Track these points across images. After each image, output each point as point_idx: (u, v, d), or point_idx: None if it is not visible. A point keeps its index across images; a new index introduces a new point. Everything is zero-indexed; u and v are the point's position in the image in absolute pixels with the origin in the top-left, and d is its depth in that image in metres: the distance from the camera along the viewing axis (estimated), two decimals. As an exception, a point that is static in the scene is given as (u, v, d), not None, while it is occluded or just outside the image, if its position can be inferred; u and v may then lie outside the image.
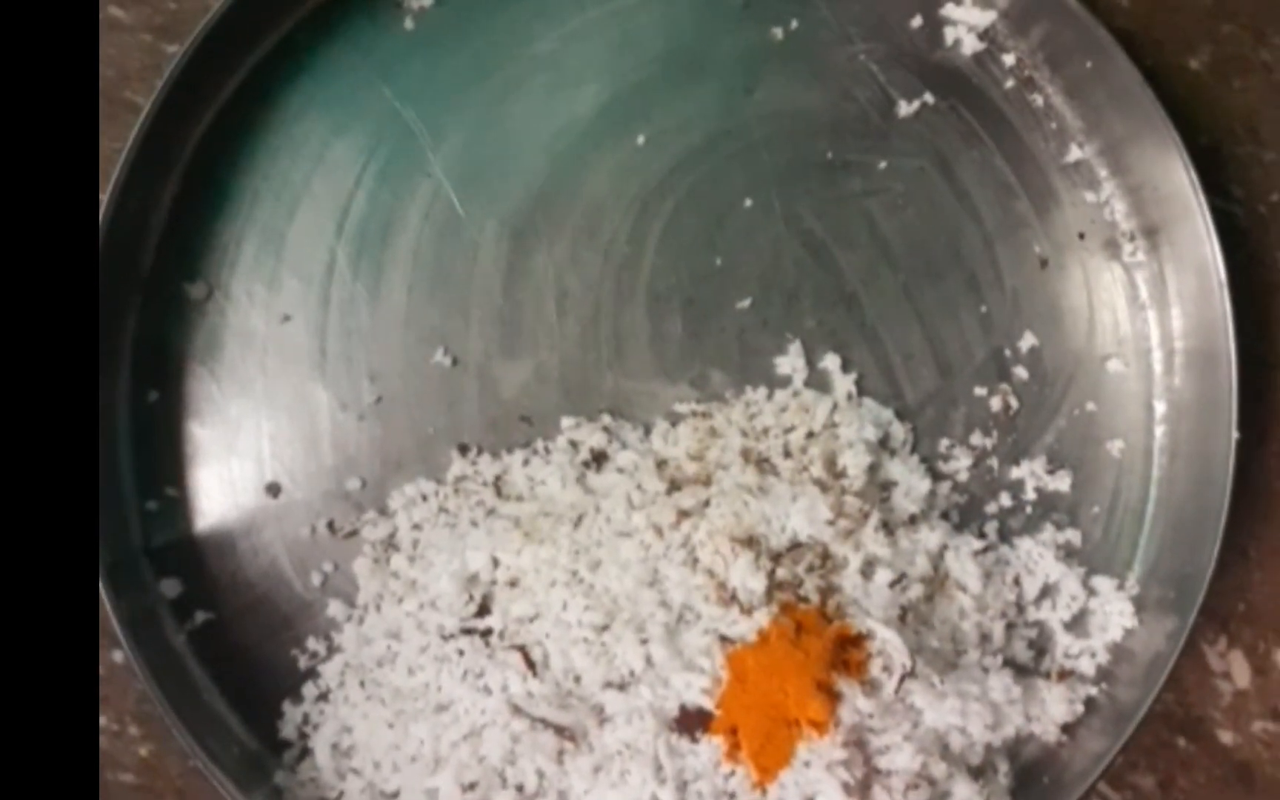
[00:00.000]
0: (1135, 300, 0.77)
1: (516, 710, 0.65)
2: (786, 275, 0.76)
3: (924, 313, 0.76)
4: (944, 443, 0.75)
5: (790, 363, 0.74)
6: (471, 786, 0.64)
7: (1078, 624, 0.73)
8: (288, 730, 0.69)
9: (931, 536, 0.71)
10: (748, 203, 0.76)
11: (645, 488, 0.70)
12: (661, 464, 0.71)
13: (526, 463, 0.72)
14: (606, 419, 0.73)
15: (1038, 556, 0.73)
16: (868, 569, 0.69)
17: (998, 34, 0.79)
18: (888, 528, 0.70)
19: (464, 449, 0.73)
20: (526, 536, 0.69)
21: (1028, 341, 0.76)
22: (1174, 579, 0.72)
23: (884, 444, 0.74)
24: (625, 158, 0.76)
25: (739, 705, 0.64)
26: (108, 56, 0.76)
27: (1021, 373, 0.75)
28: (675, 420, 0.73)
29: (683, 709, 0.65)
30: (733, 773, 0.64)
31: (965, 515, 0.74)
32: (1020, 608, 0.72)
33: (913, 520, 0.72)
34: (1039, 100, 0.78)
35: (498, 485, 0.72)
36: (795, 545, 0.68)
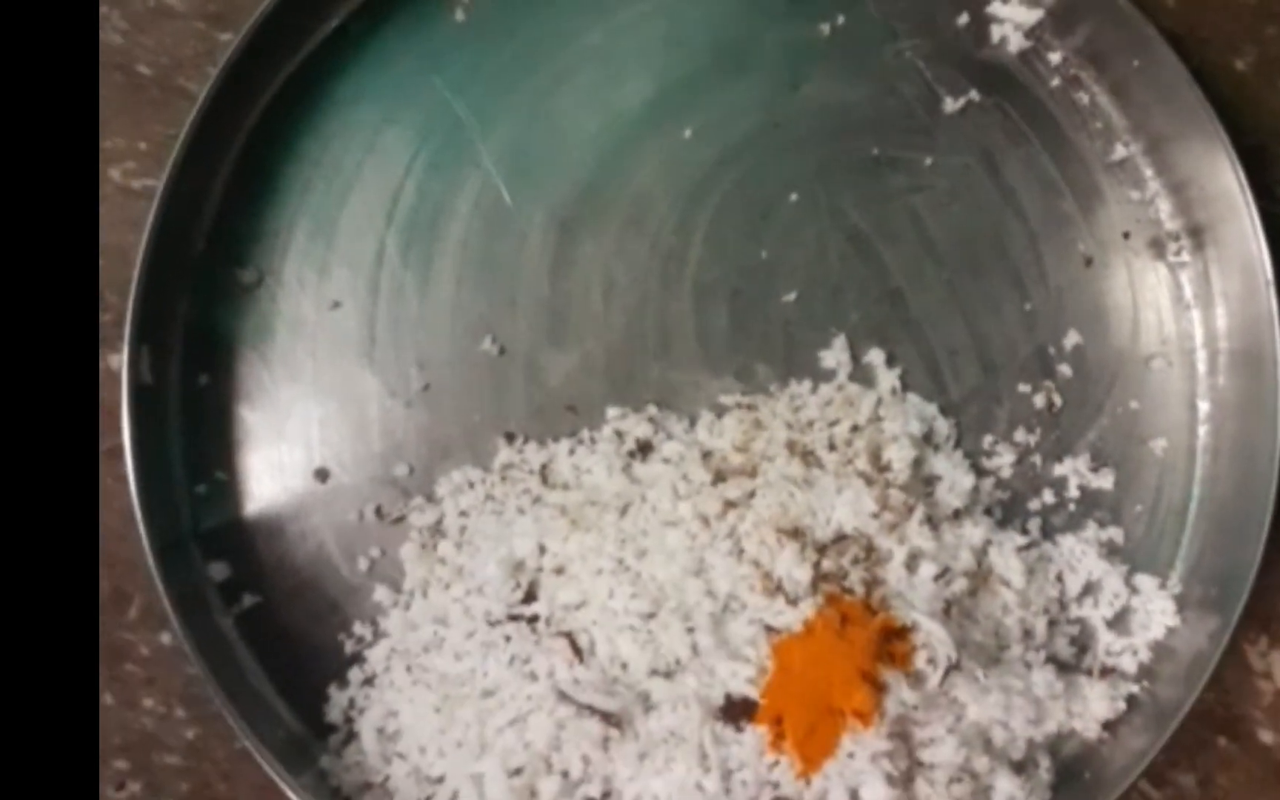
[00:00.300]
0: (1180, 300, 0.77)
1: (562, 696, 0.65)
2: (831, 270, 0.76)
3: (968, 309, 0.76)
4: (988, 439, 0.75)
5: (835, 356, 0.75)
6: (517, 772, 0.65)
7: (1120, 622, 0.73)
8: (333, 714, 0.70)
9: (975, 532, 0.71)
10: (793, 197, 0.76)
11: (691, 478, 0.70)
12: (707, 455, 0.72)
13: (572, 452, 0.73)
14: (652, 410, 0.74)
15: (1080, 554, 0.73)
16: (912, 562, 0.69)
17: (1044, 32, 0.79)
18: (932, 522, 0.70)
19: (510, 437, 0.73)
20: (573, 524, 0.69)
21: (1072, 339, 0.76)
22: (1216, 578, 0.72)
23: (928, 439, 0.74)
24: (672, 151, 0.77)
25: (784, 695, 0.65)
26: (162, 44, 0.77)
27: (1065, 370, 0.76)
28: (720, 412, 0.74)
29: (728, 698, 0.65)
30: (777, 762, 0.64)
31: (1008, 511, 0.74)
32: (1063, 604, 0.72)
33: (956, 515, 0.72)
34: (1084, 98, 0.79)
35: (544, 473, 0.72)
36: (840, 537, 0.69)
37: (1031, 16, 0.78)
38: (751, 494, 0.69)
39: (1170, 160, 0.77)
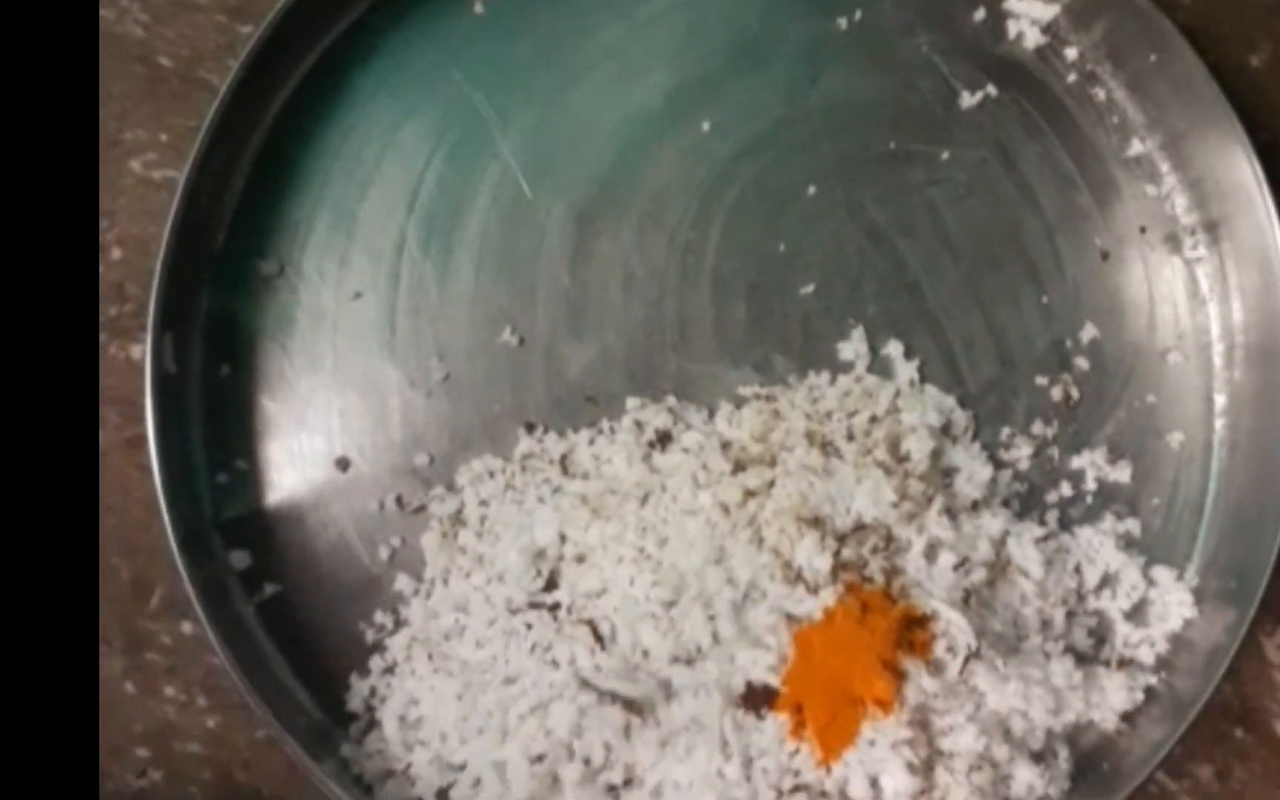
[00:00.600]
0: (1196, 294, 0.77)
1: (584, 683, 0.65)
2: (849, 263, 0.76)
3: (985, 302, 0.76)
4: (1005, 431, 0.75)
5: (853, 349, 0.75)
6: (539, 759, 0.65)
7: (1137, 613, 0.73)
8: (355, 703, 0.70)
9: (993, 522, 0.71)
10: (811, 190, 0.77)
11: (710, 467, 0.70)
12: (726, 445, 0.72)
13: (592, 442, 0.73)
14: (671, 400, 0.74)
15: (1098, 545, 0.73)
16: (931, 552, 0.69)
17: (1060, 28, 0.79)
18: (950, 513, 0.71)
19: (530, 427, 0.73)
20: (594, 513, 0.69)
21: (1088, 333, 0.76)
22: (1234, 571, 0.72)
23: (946, 431, 0.74)
24: (690, 145, 0.77)
25: (805, 683, 0.65)
26: (183, 37, 0.78)
27: (1082, 363, 0.76)
28: (739, 403, 0.74)
29: (749, 685, 0.65)
30: (797, 750, 0.64)
31: (1026, 503, 0.74)
32: (1080, 596, 0.72)
33: (975, 506, 0.72)
34: (1101, 94, 0.79)
35: (564, 463, 0.72)
36: (860, 527, 0.69)
37: (1048, 12, 0.78)
38: (771, 483, 0.70)
39: (1186, 155, 0.77)
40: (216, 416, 0.73)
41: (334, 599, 0.71)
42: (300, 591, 0.71)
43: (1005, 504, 0.73)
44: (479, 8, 0.78)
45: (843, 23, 0.79)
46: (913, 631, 0.66)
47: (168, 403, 0.70)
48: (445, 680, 0.68)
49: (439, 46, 0.77)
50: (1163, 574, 0.73)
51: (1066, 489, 0.74)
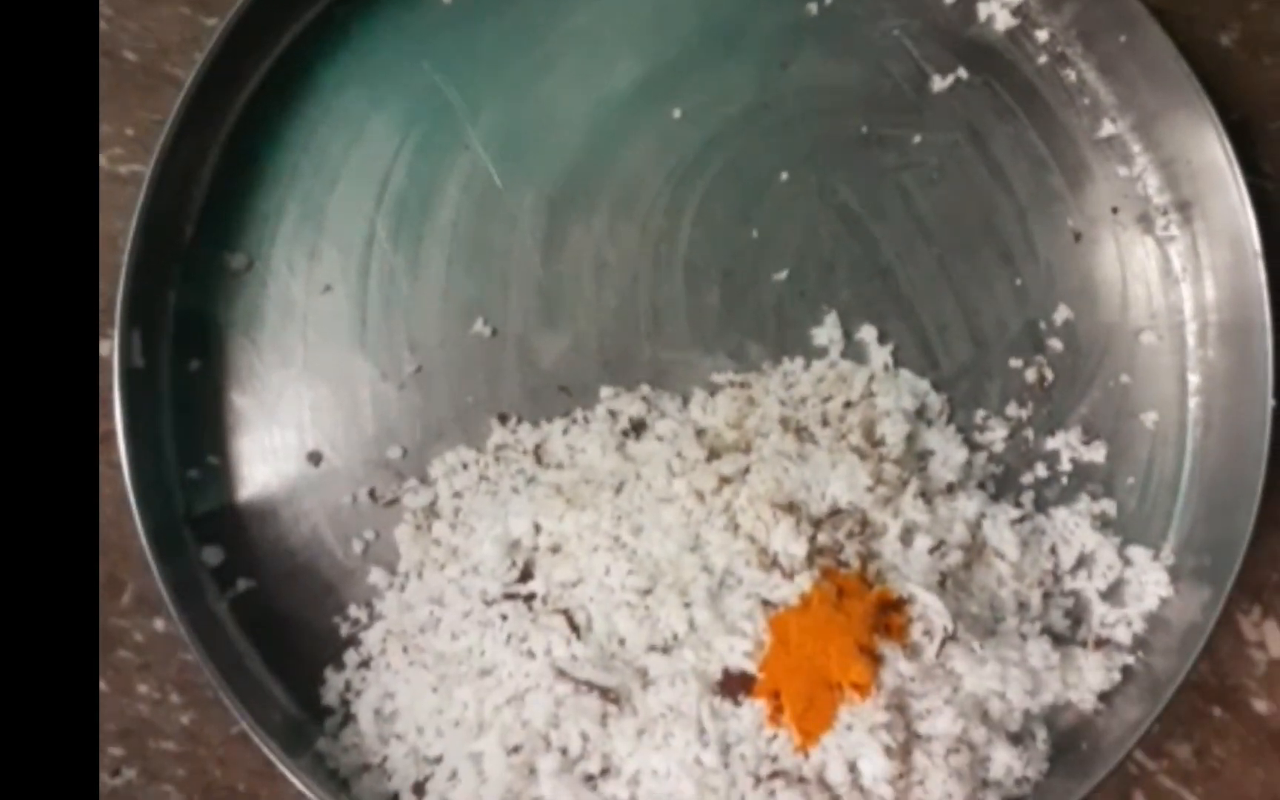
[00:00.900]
0: (1168, 273, 0.77)
1: (560, 673, 0.65)
2: (822, 248, 0.76)
3: (959, 285, 0.76)
4: (980, 413, 0.75)
5: (827, 334, 0.75)
6: (516, 749, 0.64)
7: (1114, 593, 0.73)
8: (330, 697, 0.69)
9: (969, 505, 0.71)
10: (783, 176, 0.77)
11: (685, 455, 0.70)
12: (700, 432, 0.72)
13: (566, 432, 0.73)
14: (645, 389, 0.73)
15: (1074, 526, 0.73)
16: (907, 535, 0.69)
17: (1030, 10, 0.79)
18: (925, 496, 0.70)
19: (504, 418, 0.73)
20: (568, 503, 0.69)
21: (1062, 314, 0.76)
22: (1209, 549, 0.72)
23: (920, 414, 0.74)
24: (662, 132, 0.77)
25: (782, 668, 0.65)
26: (147, 30, 0.77)
27: (1056, 345, 0.76)
28: (713, 390, 0.74)
29: (726, 672, 0.65)
30: (775, 736, 0.64)
31: (1002, 485, 0.74)
32: (1057, 577, 0.73)
33: (950, 489, 0.72)
34: (1072, 76, 0.79)
35: (538, 454, 0.72)
36: (835, 511, 0.69)
37: (1018, -5, 0.78)
38: (746, 470, 0.69)
39: (1158, 135, 0.77)
40: (186, 412, 0.72)
41: (307, 594, 0.71)
42: (273, 586, 0.71)
43: (980, 486, 0.73)
44: (447, -4, 0.77)
45: (813, 8, 0.78)
46: (889, 615, 0.66)
47: (137, 398, 0.69)
48: (420, 673, 0.68)
49: (407, 36, 0.77)
50: (1138, 554, 0.73)
51: (1041, 470, 0.74)
